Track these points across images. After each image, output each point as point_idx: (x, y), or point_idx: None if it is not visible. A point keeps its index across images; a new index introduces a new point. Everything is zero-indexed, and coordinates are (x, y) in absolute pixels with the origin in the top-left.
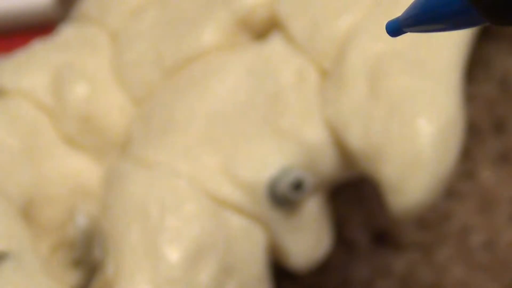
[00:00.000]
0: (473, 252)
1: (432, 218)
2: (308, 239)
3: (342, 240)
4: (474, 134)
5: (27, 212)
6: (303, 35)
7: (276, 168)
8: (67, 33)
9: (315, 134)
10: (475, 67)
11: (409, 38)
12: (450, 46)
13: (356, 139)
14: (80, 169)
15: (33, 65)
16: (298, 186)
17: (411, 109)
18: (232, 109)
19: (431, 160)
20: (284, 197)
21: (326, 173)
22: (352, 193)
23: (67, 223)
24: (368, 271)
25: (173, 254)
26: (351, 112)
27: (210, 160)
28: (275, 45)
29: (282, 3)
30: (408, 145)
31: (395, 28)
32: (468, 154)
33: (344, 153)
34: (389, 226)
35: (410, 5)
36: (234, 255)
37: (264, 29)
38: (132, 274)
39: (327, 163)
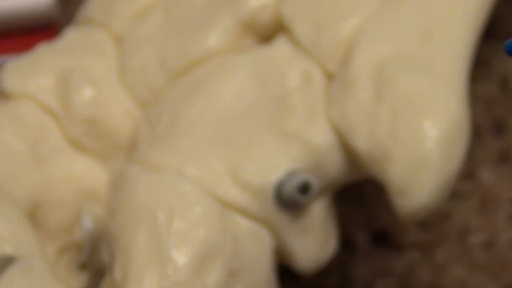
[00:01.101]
0: (473, 252)
1: (432, 218)
2: (314, 241)
3: (342, 240)
4: (474, 134)
5: (34, 216)
6: (308, 38)
7: (282, 171)
8: (72, 36)
9: (321, 137)
10: (475, 67)
11: (414, 40)
12: (455, 47)
13: (362, 141)
14: (86, 172)
15: (38, 68)
16: (304, 189)
17: (416, 111)
18: (238, 111)
19: (437, 162)
20: (290, 200)
21: (333, 176)
22: (352, 193)
23: (73, 227)
24: (368, 271)
25: (181, 258)
26: (357, 114)
27: (216, 163)
28: (280, 47)
29: (287, 6)
30: (414, 148)
31: None
32: (468, 154)
33: (351, 155)
34: (389, 226)
35: None
36: (242, 258)
37: (269, 32)
38: (140, 278)
39: (334, 166)
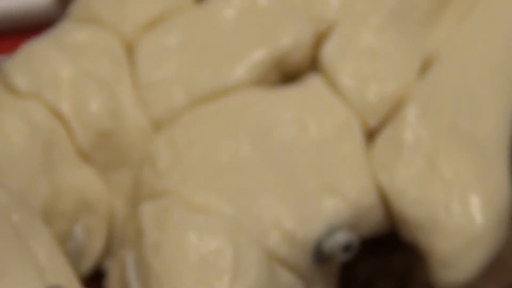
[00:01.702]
0: None
1: None
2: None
3: None
4: None
5: None
6: (352, 88)
7: (324, 226)
8: (79, 34)
9: (364, 195)
10: None
11: (461, 113)
12: (498, 122)
13: (411, 207)
14: (87, 183)
15: (50, 68)
16: (347, 248)
17: (469, 187)
18: (277, 154)
19: (488, 241)
20: (330, 256)
21: (367, 231)
22: None
23: (68, 238)
24: (368, 271)
25: None
26: (409, 181)
27: (259, 208)
28: (317, 90)
29: (328, 50)
30: (467, 225)
31: None
32: None
33: (390, 216)
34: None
35: None
36: None
37: (296, 69)
38: None
39: (371, 223)
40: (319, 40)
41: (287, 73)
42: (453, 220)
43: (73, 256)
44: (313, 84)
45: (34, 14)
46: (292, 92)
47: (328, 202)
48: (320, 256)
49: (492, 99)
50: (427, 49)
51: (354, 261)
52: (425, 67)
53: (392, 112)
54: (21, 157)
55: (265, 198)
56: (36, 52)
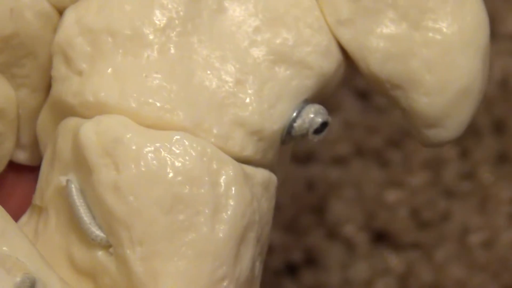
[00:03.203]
0: (473, 251)
1: (432, 218)
2: (284, 169)
3: (342, 240)
4: (473, 134)
5: None
6: None
7: (294, 108)
8: None
9: (327, 59)
10: None
11: None
12: None
13: (378, 65)
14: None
15: None
16: (322, 128)
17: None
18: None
19: (476, 87)
20: (300, 139)
21: (329, 95)
22: (352, 193)
23: None
24: (368, 271)
25: (220, 233)
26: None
27: (216, 109)
28: None
29: None
30: (453, 78)
31: None
32: (467, 154)
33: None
34: (389, 226)
35: None
36: (261, 219)
37: None
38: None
39: (334, 85)
40: None
41: None
42: (437, 74)
43: None
44: None
45: None
46: None
47: (294, 81)
48: (288, 138)
49: None
50: None
51: (354, 261)
52: None
53: None
54: None
55: (213, 88)
56: None
